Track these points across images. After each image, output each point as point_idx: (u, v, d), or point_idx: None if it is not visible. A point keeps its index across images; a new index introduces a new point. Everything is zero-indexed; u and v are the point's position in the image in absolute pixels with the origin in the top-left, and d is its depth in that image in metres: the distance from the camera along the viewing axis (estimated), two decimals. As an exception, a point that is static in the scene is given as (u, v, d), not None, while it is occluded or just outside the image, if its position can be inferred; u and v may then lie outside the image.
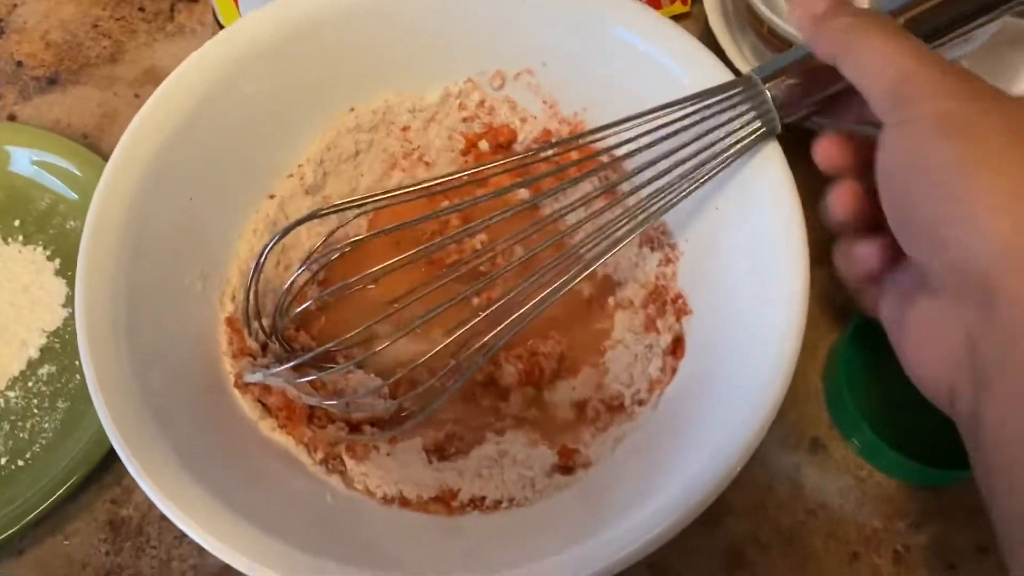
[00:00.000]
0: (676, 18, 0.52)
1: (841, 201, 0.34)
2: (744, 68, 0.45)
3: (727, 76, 0.37)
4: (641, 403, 0.39)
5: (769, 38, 0.44)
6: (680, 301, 0.40)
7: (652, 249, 0.42)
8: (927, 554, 0.39)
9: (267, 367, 0.38)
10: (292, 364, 0.37)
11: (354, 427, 0.40)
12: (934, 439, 0.41)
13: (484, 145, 0.47)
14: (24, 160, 0.47)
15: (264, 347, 0.40)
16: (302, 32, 0.41)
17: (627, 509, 0.32)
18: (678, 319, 0.40)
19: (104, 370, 0.34)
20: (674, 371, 0.38)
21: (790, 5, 0.35)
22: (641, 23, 0.41)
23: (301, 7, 0.41)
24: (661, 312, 0.41)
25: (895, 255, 0.33)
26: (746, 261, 0.36)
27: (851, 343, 0.41)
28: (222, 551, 0.30)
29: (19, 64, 0.52)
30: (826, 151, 0.34)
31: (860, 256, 0.34)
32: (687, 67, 0.39)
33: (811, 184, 0.35)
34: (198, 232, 0.40)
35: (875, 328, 0.40)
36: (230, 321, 0.40)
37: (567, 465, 0.38)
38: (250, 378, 0.38)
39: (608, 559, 0.30)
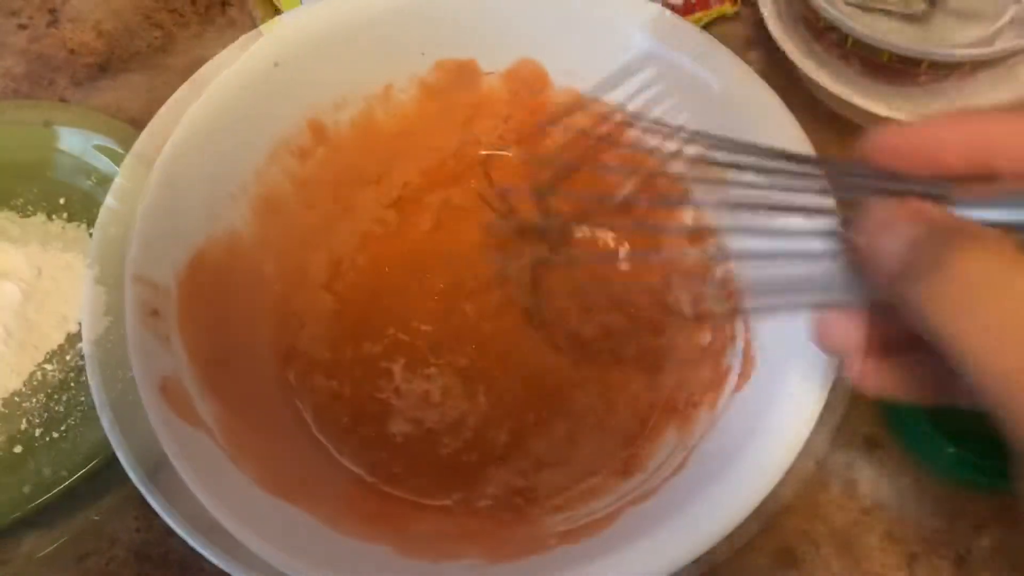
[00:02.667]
0: (724, 19, 0.52)
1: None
2: (800, 63, 0.45)
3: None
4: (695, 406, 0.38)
5: (825, 32, 0.44)
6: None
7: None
8: (990, 557, 0.37)
9: None
10: None
11: None
12: (995, 439, 0.39)
13: None
14: (73, 140, 0.47)
15: None
16: (348, 32, 0.41)
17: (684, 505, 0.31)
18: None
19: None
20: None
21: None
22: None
23: (356, 2, 0.41)
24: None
25: None
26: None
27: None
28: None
29: (71, 52, 0.52)
30: (828, 330, 0.26)
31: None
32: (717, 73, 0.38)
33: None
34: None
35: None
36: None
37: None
38: None
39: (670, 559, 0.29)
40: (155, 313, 0.36)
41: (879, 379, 0.25)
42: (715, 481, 0.31)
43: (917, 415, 0.38)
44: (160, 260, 0.37)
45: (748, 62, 0.38)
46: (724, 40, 0.38)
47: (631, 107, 0.39)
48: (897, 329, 0.24)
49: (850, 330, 0.25)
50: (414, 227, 0.45)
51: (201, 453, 0.34)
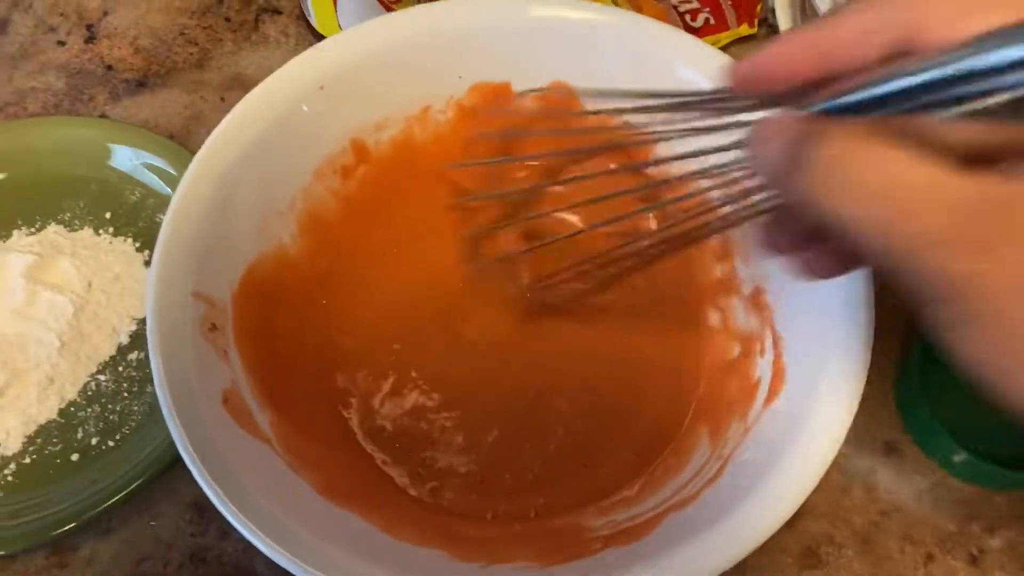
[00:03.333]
0: (743, 40, 0.54)
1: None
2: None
3: None
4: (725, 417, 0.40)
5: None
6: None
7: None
8: (1002, 557, 0.40)
9: None
10: None
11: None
12: (1008, 443, 0.42)
13: None
14: (120, 156, 0.48)
15: None
16: (390, 56, 0.42)
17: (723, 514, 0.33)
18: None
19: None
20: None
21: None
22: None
23: (397, 28, 0.42)
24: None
25: None
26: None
27: (927, 351, 0.42)
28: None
29: (109, 68, 0.54)
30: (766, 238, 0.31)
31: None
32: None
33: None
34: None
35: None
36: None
37: None
38: None
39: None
40: (214, 328, 0.37)
41: (815, 266, 0.30)
42: (752, 492, 0.33)
43: (934, 423, 0.40)
44: (216, 276, 0.38)
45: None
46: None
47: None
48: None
49: (780, 233, 0.30)
50: (450, 243, 0.47)
51: (263, 462, 0.35)
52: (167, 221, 0.37)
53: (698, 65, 0.41)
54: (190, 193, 0.38)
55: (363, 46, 0.42)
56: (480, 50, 0.44)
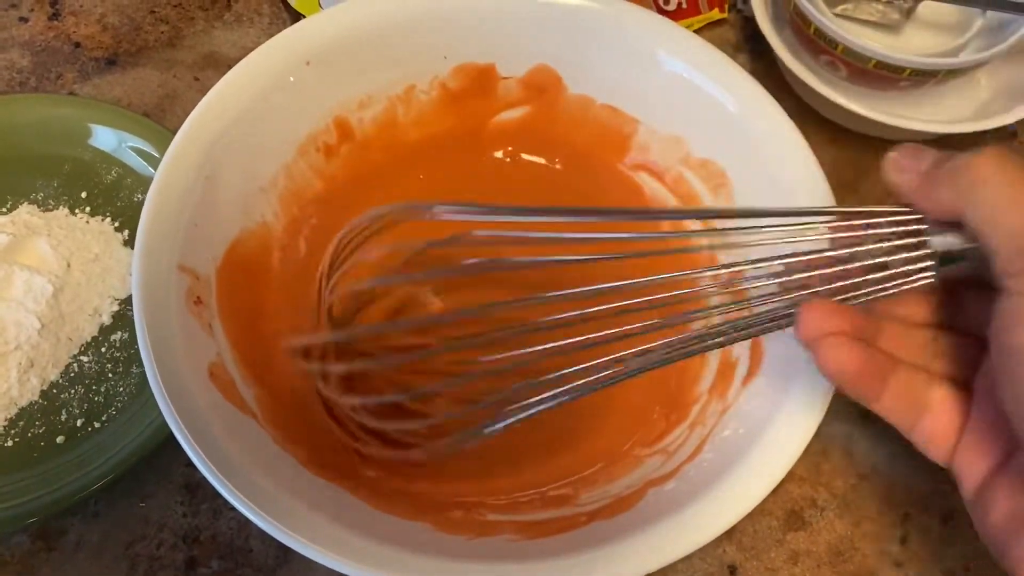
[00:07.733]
0: (713, 24, 0.55)
1: (839, 360, 0.31)
2: (794, 67, 0.49)
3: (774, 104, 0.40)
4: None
5: (814, 39, 0.48)
6: None
7: None
8: (972, 514, 0.42)
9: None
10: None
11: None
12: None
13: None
14: (96, 135, 0.47)
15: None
16: (376, 34, 0.43)
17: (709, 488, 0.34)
18: None
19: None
20: None
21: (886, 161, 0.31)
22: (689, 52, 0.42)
23: (385, 5, 0.43)
24: None
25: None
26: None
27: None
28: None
29: (77, 45, 0.52)
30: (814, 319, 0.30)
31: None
32: (734, 95, 0.41)
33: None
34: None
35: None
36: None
37: None
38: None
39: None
40: (199, 301, 0.37)
41: (843, 358, 0.31)
42: (734, 467, 0.34)
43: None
44: (201, 250, 0.38)
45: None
46: (712, 44, 0.42)
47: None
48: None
49: (828, 317, 0.30)
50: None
51: (249, 434, 0.35)
52: (152, 191, 0.37)
53: (681, 53, 0.42)
54: (176, 165, 0.38)
55: (351, 22, 0.42)
56: (465, 31, 0.44)
